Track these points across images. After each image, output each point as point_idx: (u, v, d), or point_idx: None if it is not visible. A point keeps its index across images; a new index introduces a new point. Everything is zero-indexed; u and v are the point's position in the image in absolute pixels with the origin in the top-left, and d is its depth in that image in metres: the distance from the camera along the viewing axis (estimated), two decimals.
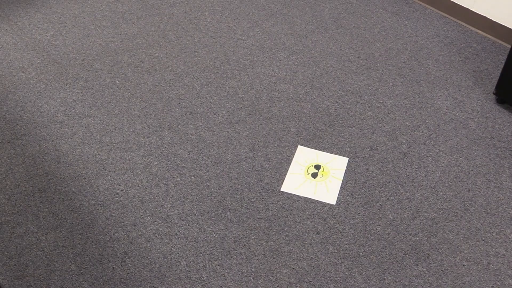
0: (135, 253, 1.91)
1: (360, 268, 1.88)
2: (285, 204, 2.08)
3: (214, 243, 1.94)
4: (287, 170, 2.20)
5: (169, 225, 1.99)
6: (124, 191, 2.11)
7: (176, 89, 2.57)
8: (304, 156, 2.26)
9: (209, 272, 1.86)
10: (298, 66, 2.70)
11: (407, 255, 1.92)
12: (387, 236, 1.97)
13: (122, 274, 1.85)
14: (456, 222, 2.02)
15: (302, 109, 2.47)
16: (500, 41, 2.87)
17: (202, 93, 2.55)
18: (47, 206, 2.05)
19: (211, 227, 1.99)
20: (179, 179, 2.14)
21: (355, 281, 1.84)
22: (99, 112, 2.42)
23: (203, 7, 3.10)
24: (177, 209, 2.05)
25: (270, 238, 1.96)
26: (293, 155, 2.27)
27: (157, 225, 1.99)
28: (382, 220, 2.03)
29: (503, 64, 2.68)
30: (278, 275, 1.85)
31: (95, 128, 2.35)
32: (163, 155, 2.24)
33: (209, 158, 2.24)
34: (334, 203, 2.08)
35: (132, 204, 2.06)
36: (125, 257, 1.90)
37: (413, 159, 2.25)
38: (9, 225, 1.99)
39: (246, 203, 2.08)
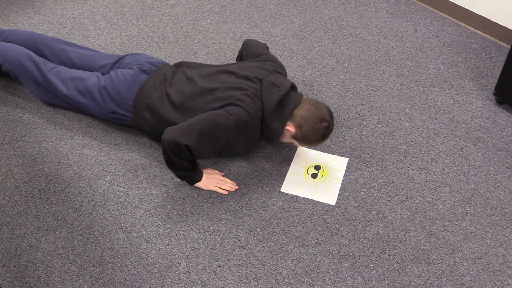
0: (135, 254, 1.91)
1: (360, 268, 1.88)
2: (285, 204, 2.08)
3: (214, 244, 1.94)
4: (287, 171, 2.20)
5: (169, 226, 1.99)
6: (124, 191, 2.11)
7: None
8: (304, 157, 2.26)
9: (209, 272, 1.86)
10: (297, 66, 2.70)
11: (407, 256, 1.92)
12: (387, 236, 1.97)
13: (122, 275, 1.85)
14: (456, 223, 2.02)
15: None
16: (499, 42, 2.87)
17: None
18: (47, 207, 2.05)
19: (211, 227, 1.99)
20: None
21: (355, 282, 1.84)
22: None
23: (202, 7, 3.10)
24: (177, 210, 2.05)
25: (270, 238, 1.96)
26: (293, 155, 2.27)
27: (157, 225, 1.99)
28: (382, 220, 2.03)
29: (502, 64, 2.68)
30: (278, 275, 1.85)
31: (95, 129, 2.35)
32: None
33: (208, 159, 2.24)
34: (334, 204, 2.08)
35: (132, 205, 2.06)
36: (125, 258, 1.90)
37: (413, 159, 2.25)
38: (9, 226, 1.99)
39: (246, 203, 2.08)
